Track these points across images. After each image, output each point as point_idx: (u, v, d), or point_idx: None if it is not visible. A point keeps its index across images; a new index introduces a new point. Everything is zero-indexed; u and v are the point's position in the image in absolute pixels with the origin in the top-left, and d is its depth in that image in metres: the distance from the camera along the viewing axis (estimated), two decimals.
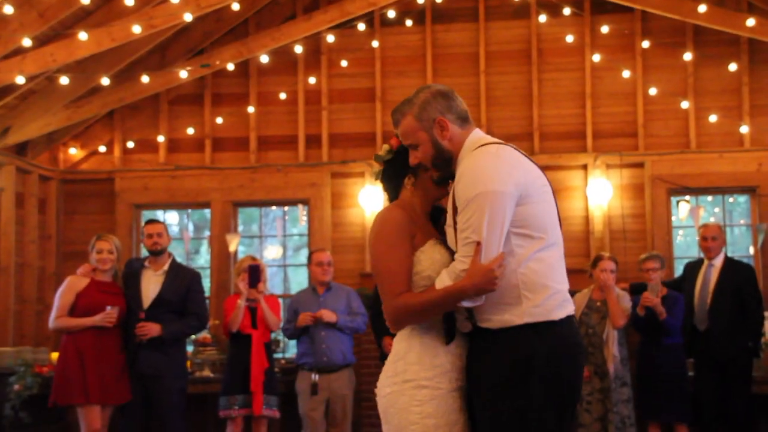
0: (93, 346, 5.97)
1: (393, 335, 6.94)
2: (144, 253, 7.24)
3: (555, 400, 2.75)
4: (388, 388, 2.94)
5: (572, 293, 7.32)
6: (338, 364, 6.82)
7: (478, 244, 2.68)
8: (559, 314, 2.78)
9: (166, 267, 6.37)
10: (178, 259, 6.88)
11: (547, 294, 2.75)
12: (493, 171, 2.73)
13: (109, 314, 6.00)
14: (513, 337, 2.75)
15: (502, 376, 2.74)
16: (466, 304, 2.74)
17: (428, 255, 2.89)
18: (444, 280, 2.78)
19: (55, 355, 7.37)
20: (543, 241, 2.77)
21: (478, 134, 2.95)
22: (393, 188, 3.12)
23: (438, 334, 2.90)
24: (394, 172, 3.10)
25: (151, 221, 6.56)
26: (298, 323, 6.79)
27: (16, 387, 6.96)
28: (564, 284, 2.84)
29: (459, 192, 2.77)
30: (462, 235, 2.73)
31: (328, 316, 6.77)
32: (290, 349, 8.35)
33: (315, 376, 6.71)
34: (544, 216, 2.80)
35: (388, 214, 2.96)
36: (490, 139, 2.91)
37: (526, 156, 2.91)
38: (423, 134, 2.92)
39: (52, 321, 6.09)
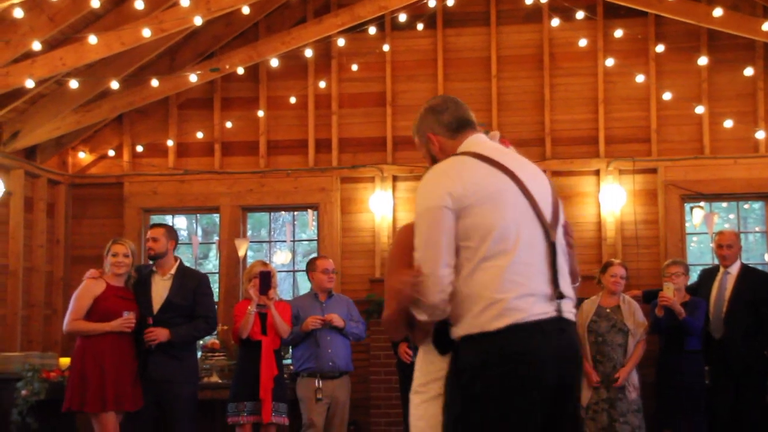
0: (112, 352, 5.93)
1: (408, 342, 6.94)
2: None
3: (491, 413, 2.72)
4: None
5: (581, 300, 7.30)
6: (341, 371, 6.78)
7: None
8: (496, 324, 2.73)
9: (173, 271, 6.32)
10: (186, 264, 6.84)
11: (485, 305, 2.75)
12: (429, 187, 2.86)
13: (128, 320, 5.96)
14: (456, 350, 2.85)
15: (447, 387, 2.89)
16: (420, 317, 2.85)
17: None
18: None
19: (64, 360, 7.34)
20: (485, 251, 2.76)
21: (469, 142, 3.00)
22: None
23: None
24: None
25: (151, 225, 6.52)
26: (303, 327, 6.74)
27: (24, 392, 6.92)
28: (510, 292, 2.75)
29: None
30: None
31: (337, 320, 6.73)
32: None
33: (319, 382, 6.67)
34: (489, 224, 2.77)
35: (406, 227, 3.08)
36: (467, 148, 2.95)
37: (490, 163, 2.87)
38: (423, 150, 3.14)
39: (68, 323, 6.02)
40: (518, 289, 2.75)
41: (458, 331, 2.82)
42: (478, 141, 3.01)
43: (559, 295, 2.81)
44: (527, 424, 2.73)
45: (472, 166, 2.86)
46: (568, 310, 2.86)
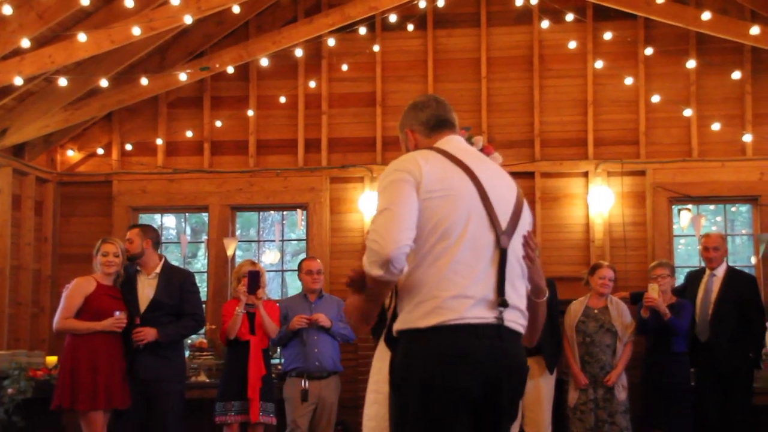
0: (104, 351, 5.94)
1: None
2: None
3: (415, 412, 2.68)
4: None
5: (569, 301, 7.32)
6: (328, 371, 6.77)
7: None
8: (426, 322, 2.70)
9: (158, 270, 6.32)
10: (175, 263, 6.83)
11: (419, 300, 2.72)
12: (390, 170, 2.81)
13: (120, 319, 5.98)
14: (395, 345, 2.82)
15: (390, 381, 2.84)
16: (374, 271, 2.70)
17: None
18: None
19: (51, 359, 7.32)
20: (429, 246, 2.72)
21: (442, 142, 2.97)
22: None
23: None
24: None
25: (130, 227, 6.53)
26: (290, 326, 6.74)
27: (10, 390, 6.90)
28: (446, 291, 2.69)
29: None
30: None
31: (323, 320, 6.73)
32: None
33: (305, 383, 6.66)
34: (437, 219, 2.72)
35: None
36: (442, 148, 2.91)
37: (453, 161, 2.84)
38: (403, 145, 3.13)
39: (58, 322, 6.02)
40: (455, 289, 2.70)
41: (396, 325, 2.80)
42: (450, 140, 3.00)
43: (501, 303, 2.73)
44: (450, 427, 2.67)
45: (434, 160, 2.82)
46: (512, 320, 2.77)
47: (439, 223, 2.73)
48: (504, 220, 2.81)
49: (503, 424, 2.77)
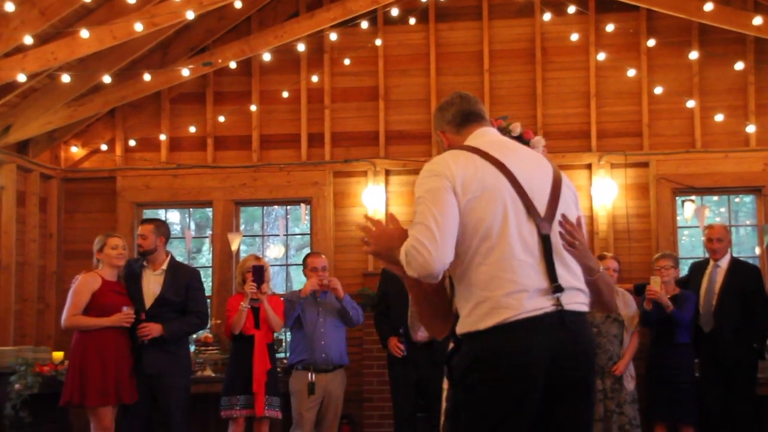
0: (113, 347, 5.97)
1: (398, 335, 6.87)
2: None
3: (480, 409, 2.72)
4: None
5: None
6: (335, 363, 6.79)
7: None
8: (487, 323, 2.72)
9: (164, 266, 6.35)
10: (180, 258, 6.85)
11: (475, 303, 2.75)
12: (427, 175, 2.82)
13: (128, 314, 6.02)
14: (455, 347, 2.87)
15: (449, 382, 2.89)
16: (409, 272, 2.75)
17: None
18: None
19: (57, 354, 7.35)
20: (474, 249, 2.75)
21: (473, 136, 2.99)
22: None
23: None
24: None
25: (142, 221, 6.54)
26: (303, 291, 6.76)
27: (17, 386, 6.92)
28: (499, 289, 2.71)
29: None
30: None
31: (335, 283, 6.74)
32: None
33: (312, 376, 6.68)
34: (477, 220, 2.75)
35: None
36: (469, 142, 2.94)
37: (483, 156, 2.84)
38: (440, 147, 3.15)
39: (67, 319, 6.04)
40: (507, 285, 2.72)
41: (458, 329, 2.83)
42: (480, 134, 3.00)
43: (556, 289, 2.74)
44: (519, 421, 2.70)
45: (464, 160, 2.83)
46: (573, 302, 2.78)
47: (479, 223, 2.74)
48: (542, 207, 2.82)
49: (584, 410, 2.80)
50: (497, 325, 2.71)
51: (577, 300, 2.81)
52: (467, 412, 2.75)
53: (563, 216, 2.83)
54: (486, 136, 2.99)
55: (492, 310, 2.72)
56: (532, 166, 2.89)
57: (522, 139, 3.31)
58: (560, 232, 2.81)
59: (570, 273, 2.81)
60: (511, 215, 2.77)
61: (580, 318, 2.80)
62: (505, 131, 3.30)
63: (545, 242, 2.78)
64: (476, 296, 2.75)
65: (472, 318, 2.76)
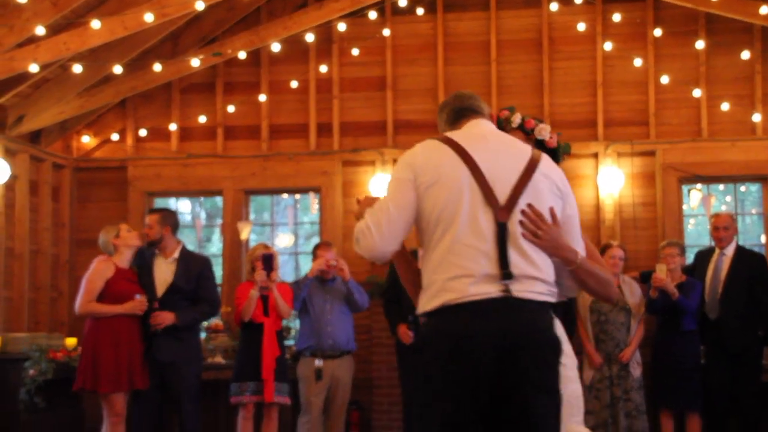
0: (126, 334, 6.05)
1: (408, 323, 6.85)
2: None
3: (428, 388, 2.78)
4: None
5: None
6: (342, 349, 6.85)
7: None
8: (432, 305, 2.81)
9: (176, 255, 6.42)
10: (190, 247, 6.93)
11: (426, 285, 2.86)
12: (396, 166, 2.96)
13: (141, 302, 6.10)
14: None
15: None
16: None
17: None
18: None
19: (70, 341, 7.45)
20: (431, 233, 2.85)
21: (457, 130, 3.04)
22: None
23: None
24: None
25: (149, 211, 6.63)
26: (311, 272, 6.83)
27: (31, 372, 7.03)
28: (445, 273, 2.78)
29: None
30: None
31: (343, 264, 6.81)
32: None
33: (319, 362, 6.75)
34: (436, 206, 2.82)
35: None
36: (446, 135, 3.00)
37: (450, 145, 2.89)
38: None
39: (81, 305, 6.10)
40: (453, 270, 2.76)
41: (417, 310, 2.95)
42: (469, 126, 3.04)
43: (505, 275, 2.74)
44: (464, 403, 2.72)
45: (431, 148, 2.91)
46: (526, 290, 2.77)
47: (433, 209, 2.82)
48: (503, 195, 2.81)
49: (533, 396, 2.73)
50: (440, 308, 2.77)
51: (532, 289, 2.78)
52: (419, 392, 2.82)
53: (529, 206, 2.82)
54: (471, 128, 3.02)
55: (438, 293, 2.79)
56: (502, 155, 2.89)
57: (524, 128, 3.32)
58: (521, 221, 2.80)
59: (527, 261, 2.79)
60: (465, 202, 2.80)
61: (530, 306, 2.77)
62: (507, 122, 3.33)
63: (501, 230, 2.78)
64: (427, 279, 2.84)
65: (423, 300, 2.86)
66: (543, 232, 2.81)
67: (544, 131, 3.27)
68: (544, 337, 2.80)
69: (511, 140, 3.02)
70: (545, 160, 2.94)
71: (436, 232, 2.82)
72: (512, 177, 2.85)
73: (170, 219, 6.48)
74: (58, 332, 8.06)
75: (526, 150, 2.95)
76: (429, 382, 2.77)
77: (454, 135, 2.95)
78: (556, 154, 3.34)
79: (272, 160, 8.68)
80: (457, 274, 2.76)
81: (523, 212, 2.82)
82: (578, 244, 2.96)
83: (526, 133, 3.27)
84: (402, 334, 6.72)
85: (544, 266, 2.84)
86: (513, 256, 2.78)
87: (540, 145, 3.27)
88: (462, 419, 2.72)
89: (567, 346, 3.12)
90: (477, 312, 2.73)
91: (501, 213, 2.80)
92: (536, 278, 2.80)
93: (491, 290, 2.75)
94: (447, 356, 2.73)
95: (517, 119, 3.30)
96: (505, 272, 2.75)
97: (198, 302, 6.40)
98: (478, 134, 3.00)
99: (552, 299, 2.87)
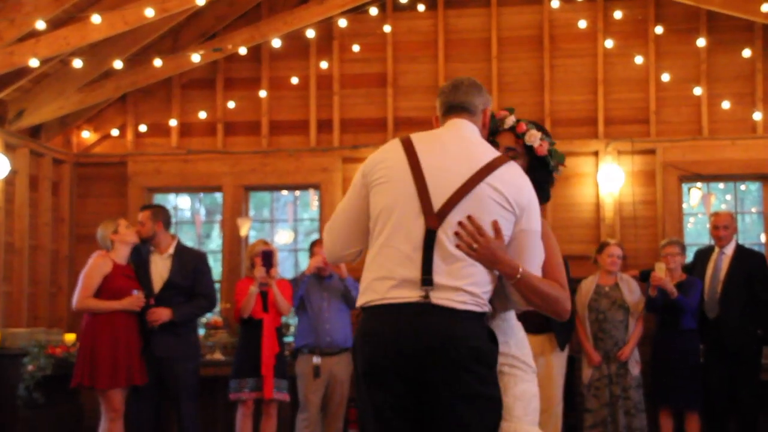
0: (123, 330, 6.06)
1: None
2: None
3: (362, 381, 2.88)
4: None
5: (579, 280, 7.39)
6: (340, 347, 6.85)
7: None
8: (359, 303, 2.93)
9: (171, 250, 6.43)
10: (190, 243, 6.92)
11: (361, 282, 2.95)
12: (364, 161, 3.08)
13: (139, 298, 6.11)
14: None
15: None
16: None
17: None
18: None
19: (69, 336, 7.45)
20: (373, 233, 2.92)
21: (429, 130, 3.08)
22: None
23: None
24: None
25: (141, 208, 6.65)
26: (307, 270, 6.84)
27: (30, 367, 7.03)
28: (372, 273, 2.86)
29: None
30: None
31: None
32: None
33: (317, 359, 6.76)
34: (377, 208, 2.90)
35: None
36: (409, 135, 3.04)
37: (404, 146, 2.94)
38: None
39: (79, 301, 6.12)
40: (378, 271, 2.83)
41: None
42: (445, 126, 3.05)
43: (425, 282, 2.74)
44: (387, 399, 2.78)
45: (387, 149, 2.99)
46: (445, 298, 2.74)
47: (375, 209, 2.89)
48: (439, 203, 2.79)
49: (451, 402, 2.74)
50: (363, 306, 2.89)
51: (453, 297, 2.75)
52: (357, 384, 2.95)
53: (468, 218, 2.78)
54: (442, 130, 3.03)
55: (364, 291, 2.90)
56: (453, 162, 2.84)
57: (515, 131, 3.26)
58: (456, 233, 2.77)
59: (451, 270, 2.76)
60: (401, 205, 2.82)
61: (448, 313, 2.74)
62: (500, 122, 3.26)
63: (429, 236, 2.77)
64: (362, 276, 2.93)
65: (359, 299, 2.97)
66: (479, 245, 2.77)
67: (534, 138, 3.18)
68: (461, 345, 2.74)
69: (471, 147, 2.92)
70: (504, 171, 2.85)
71: (374, 230, 2.89)
72: (454, 185, 2.81)
73: (162, 215, 6.48)
74: (57, 328, 8.05)
75: (482, 159, 2.86)
76: (358, 376, 2.90)
77: (416, 136, 2.98)
78: (547, 163, 3.19)
79: (272, 157, 8.67)
80: (381, 276, 2.82)
81: (460, 223, 2.78)
82: (531, 261, 2.87)
83: (516, 136, 3.20)
84: None
85: (475, 277, 2.78)
86: (438, 263, 2.76)
87: (530, 151, 3.19)
88: (390, 415, 2.79)
89: (517, 350, 3.02)
90: (392, 314, 2.78)
91: (432, 220, 2.79)
92: (459, 288, 2.76)
93: (410, 295, 2.77)
94: (367, 354, 2.82)
95: (510, 121, 3.24)
96: (426, 278, 2.76)
97: (195, 297, 6.40)
98: (435, 137, 2.98)
99: (479, 309, 2.81)
